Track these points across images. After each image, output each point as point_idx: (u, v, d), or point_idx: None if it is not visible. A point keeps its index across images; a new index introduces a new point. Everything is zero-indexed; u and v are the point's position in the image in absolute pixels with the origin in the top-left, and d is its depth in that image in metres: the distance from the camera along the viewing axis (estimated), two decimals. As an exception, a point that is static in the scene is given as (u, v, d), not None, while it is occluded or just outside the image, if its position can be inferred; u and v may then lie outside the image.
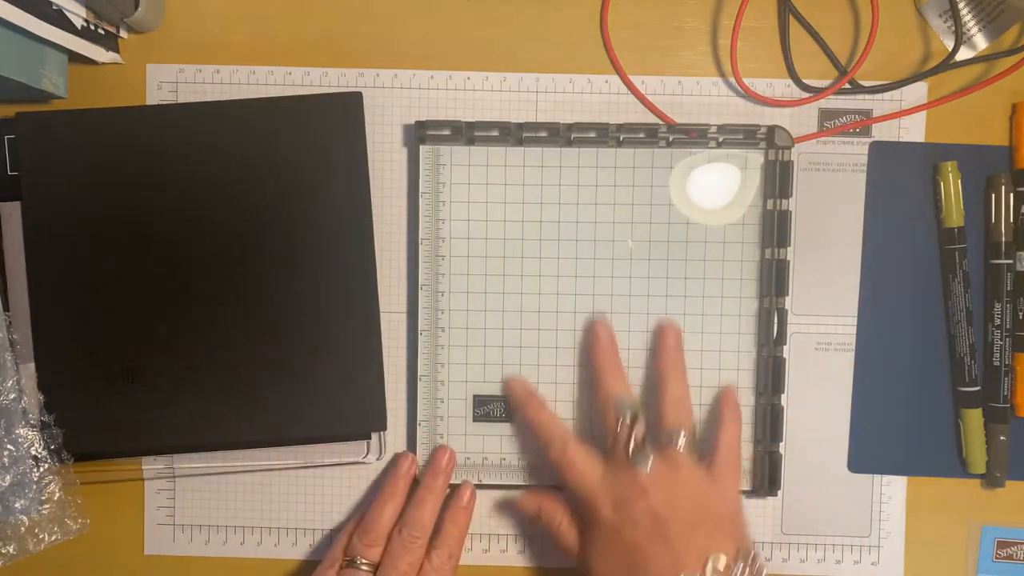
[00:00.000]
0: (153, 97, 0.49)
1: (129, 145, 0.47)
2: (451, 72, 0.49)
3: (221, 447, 0.48)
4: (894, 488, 0.50)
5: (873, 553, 0.50)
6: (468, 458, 0.49)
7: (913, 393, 0.50)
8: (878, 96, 0.49)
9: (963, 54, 0.49)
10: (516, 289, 0.49)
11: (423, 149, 0.48)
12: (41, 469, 0.46)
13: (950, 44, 0.48)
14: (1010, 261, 0.49)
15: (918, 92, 0.49)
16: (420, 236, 0.48)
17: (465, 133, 0.48)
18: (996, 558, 0.50)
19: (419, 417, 0.49)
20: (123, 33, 0.49)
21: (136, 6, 0.46)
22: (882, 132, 0.49)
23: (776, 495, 0.49)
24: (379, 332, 0.47)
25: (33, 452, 0.46)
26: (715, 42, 0.50)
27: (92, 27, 0.46)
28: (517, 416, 0.49)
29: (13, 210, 0.47)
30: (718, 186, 0.48)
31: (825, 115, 0.49)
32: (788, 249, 0.48)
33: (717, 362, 0.49)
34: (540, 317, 0.49)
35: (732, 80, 0.49)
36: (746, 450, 0.49)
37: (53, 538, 0.46)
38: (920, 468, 0.50)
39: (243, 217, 0.47)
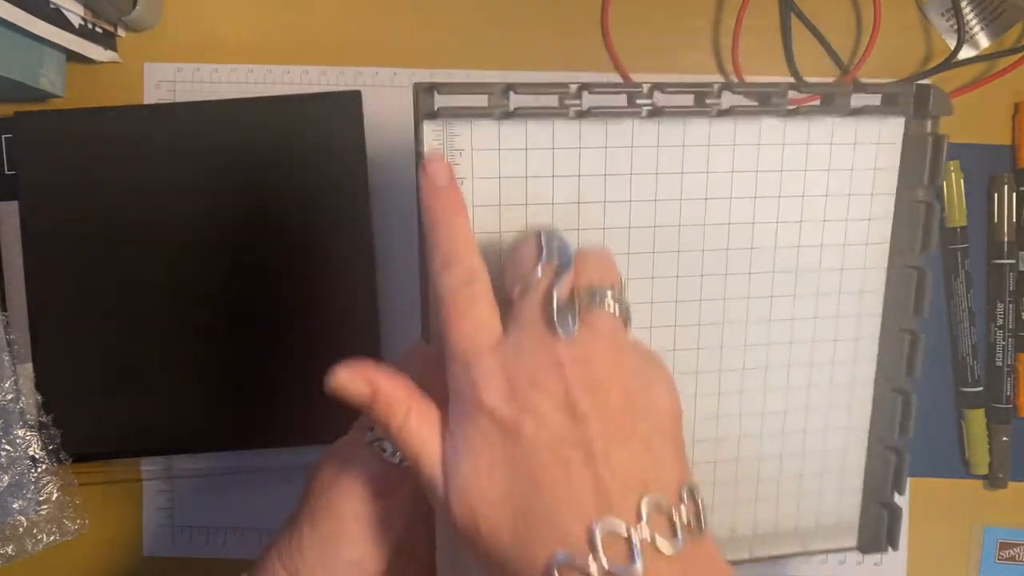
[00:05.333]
0: (151, 96, 0.49)
1: (127, 144, 0.46)
2: (450, 70, 0.49)
3: (220, 447, 0.48)
4: (896, 489, 0.50)
5: (875, 553, 0.50)
6: None
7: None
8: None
9: (965, 53, 0.49)
10: None
11: (429, 127, 0.32)
12: (39, 470, 0.46)
13: (952, 43, 0.48)
14: (1012, 261, 0.49)
15: (920, 91, 0.49)
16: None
17: (497, 102, 0.32)
18: (998, 559, 0.50)
19: None
20: (121, 32, 0.48)
21: (134, 4, 0.46)
22: (884, 131, 0.49)
23: (893, 551, 0.41)
24: (379, 332, 0.47)
25: (31, 453, 0.45)
26: (717, 40, 0.49)
27: (90, 26, 0.46)
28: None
29: (11, 209, 0.46)
30: (842, 168, 0.36)
31: (827, 114, 0.49)
32: (926, 256, 0.37)
33: (827, 398, 0.38)
34: None
35: (734, 78, 0.49)
36: (853, 499, 0.41)
37: (52, 539, 0.46)
38: (922, 468, 0.50)
39: (242, 217, 0.47)
